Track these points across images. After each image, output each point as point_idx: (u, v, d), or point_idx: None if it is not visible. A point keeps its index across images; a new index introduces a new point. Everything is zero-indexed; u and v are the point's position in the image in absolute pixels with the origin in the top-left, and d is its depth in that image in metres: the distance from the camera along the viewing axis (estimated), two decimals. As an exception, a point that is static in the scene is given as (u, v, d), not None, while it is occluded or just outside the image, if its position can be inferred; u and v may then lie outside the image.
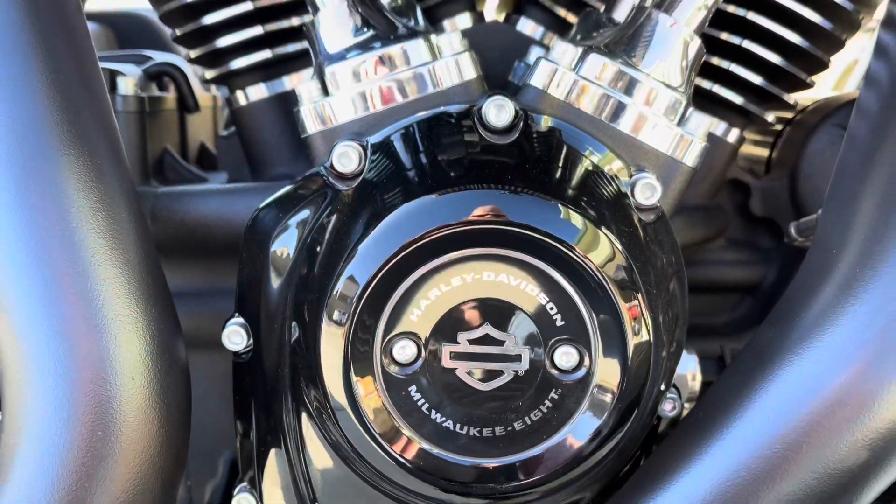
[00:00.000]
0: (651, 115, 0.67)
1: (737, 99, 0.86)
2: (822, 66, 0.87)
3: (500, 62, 0.89)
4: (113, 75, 0.93)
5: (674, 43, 0.67)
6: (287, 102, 0.91)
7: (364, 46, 0.68)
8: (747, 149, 1.04)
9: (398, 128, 0.66)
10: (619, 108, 0.67)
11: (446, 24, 0.90)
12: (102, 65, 0.79)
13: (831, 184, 0.75)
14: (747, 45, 0.83)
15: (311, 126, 0.70)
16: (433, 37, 0.70)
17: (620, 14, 0.78)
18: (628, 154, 0.67)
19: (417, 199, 0.57)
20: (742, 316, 0.98)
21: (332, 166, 0.64)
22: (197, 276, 0.83)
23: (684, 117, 0.68)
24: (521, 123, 0.64)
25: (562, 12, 0.89)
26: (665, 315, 0.67)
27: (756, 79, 0.85)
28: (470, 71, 0.69)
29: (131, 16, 1.48)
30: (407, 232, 0.56)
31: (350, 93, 0.68)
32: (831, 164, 0.87)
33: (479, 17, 0.92)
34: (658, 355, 0.63)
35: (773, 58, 0.84)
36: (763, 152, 1.03)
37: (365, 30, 0.69)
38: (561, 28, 0.90)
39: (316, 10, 0.71)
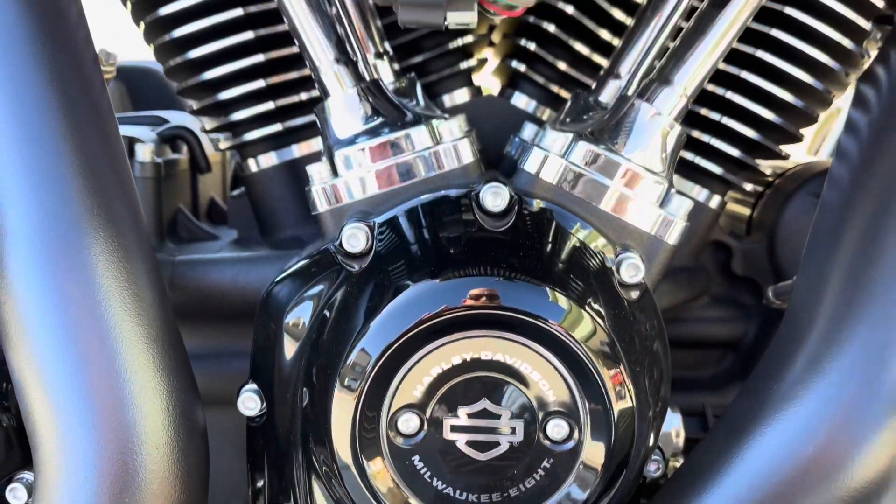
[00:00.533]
0: (635, 197, 0.73)
1: (717, 169, 0.92)
2: (796, 139, 0.93)
3: (496, 134, 0.95)
4: (131, 142, 0.99)
5: (655, 131, 0.74)
6: (296, 169, 0.96)
7: (371, 132, 0.74)
8: (730, 206, 1.10)
9: (403, 209, 0.72)
10: (605, 192, 0.72)
11: (445, 98, 0.96)
12: (121, 131, 0.85)
13: (803, 256, 0.81)
14: (726, 121, 0.90)
15: (321, 204, 0.75)
16: (434, 121, 0.76)
17: (606, 96, 0.84)
18: (614, 233, 0.73)
19: (423, 283, 0.63)
20: (725, 371, 1.03)
21: (341, 245, 0.70)
22: (212, 338, 0.89)
23: (666, 198, 0.74)
24: (516, 207, 0.69)
25: (554, 88, 0.95)
26: (650, 377, 0.72)
27: (734, 151, 0.91)
28: (468, 155, 0.75)
29: (142, 70, 1.54)
30: (413, 313, 0.62)
31: (358, 174, 0.74)
32: (807, 231, 0.93)
33: (476, 90, 0.98)
34: (643, 418, 0.68)
35: (751, 133, 0.90)
36: (745, 210, 1.09)
37: (373, 117, 0.75)
38: (553, 102, 0.96)
39: (327, 95, 0.77)
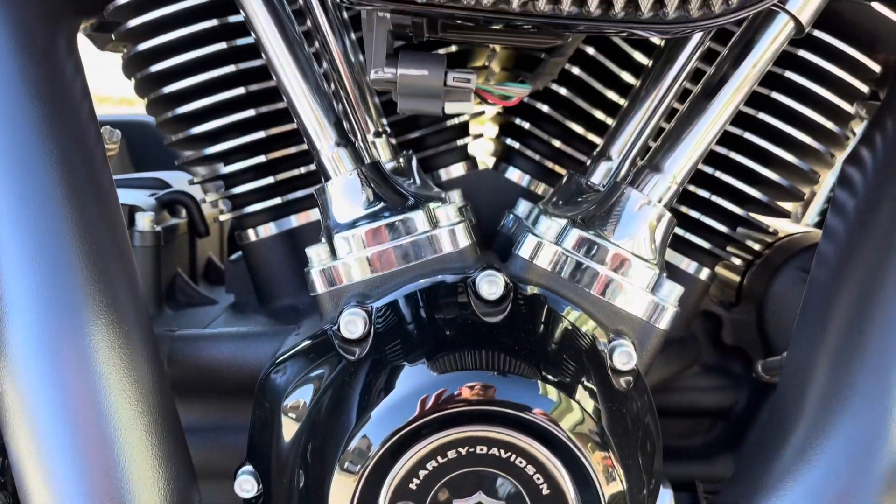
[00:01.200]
0: (626, 283, 0.74)
1: (705, 244, 0.94)
2: (783, 214, 0.95)
3: (491, 207, 0.97)
4: (132, 211, 1.00)
5: (646, 219, 0.76)
6: (294, 238, 0.98)
7: (370, 217, 0.76)
8: (719, 270, 1.12)
9: (401, 295, 0.73)
10: (597, 278, 0.74)
11: (442, 172, 0.98)
12: (121, 197, 0.87)
13: (793, 337, 0.83)
14: (715, 198, 0.92)
15: (320, 286, 0.77)
16: (431, 205, 0.78)
17: (598, 177, 0.86)
18: (607, 318, 0.75)
19: (421, 375, 0.64)
20: (715, 440, 1.05)
21: (339, 331, 0.71)
22: (209, 412, 0.89)
23: (658, 284, 0.76)
24: (511, 295, 0.71)
25: (547, 163, 0.97)
26: (642, 453, 0.73)
27: (722, 227, 0.93)
28: (465, 239, 0.77)
29: (141, 124, 1.57)
30: (412, 406, 0.63)
31: (356, 257, 0.76)
32: (794, 304, 0.95)
33: (472, 163, 1.00)
34: (635, 499, 0.70)
35: (739, 210, 0.92)
36: (734, 276, 1.11)
37: (372, 202, 0.77)
38: (546, 176, 0.98)
39: (327, 178, 0.79)
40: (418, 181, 0.87)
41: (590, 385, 0.68)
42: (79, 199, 0.77)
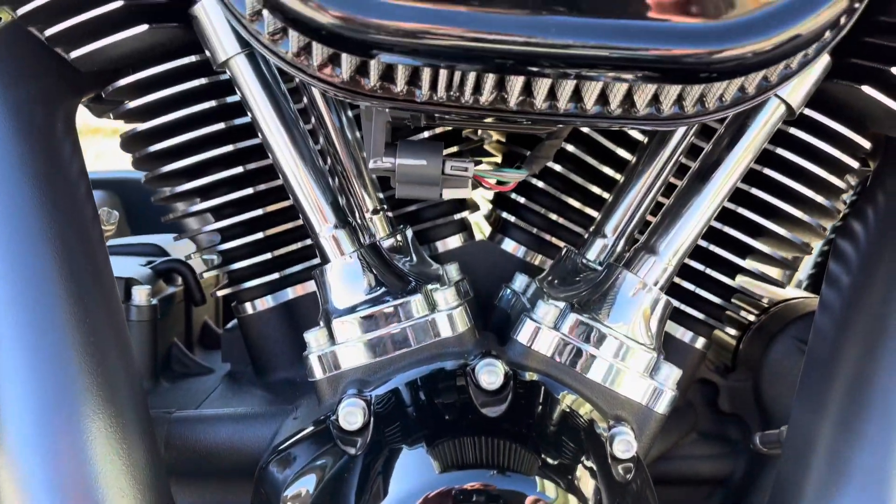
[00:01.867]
0: (624, 368, 0.75)
1: (700, 315, 0.95)
2: (777, 285, 0.96)
3: (488, 278, 0.98)
4: (128, 284, 1.00)
5: (642, 303, 0.76)
6: (291, 310, 0.98)
7: (368, 302, 0.76)
8: (716, 334, 1.13)
9: (401, 383, 0.73)
10: (596, 363, 0.75)
11: (439, 244, 0.99)
12: (117, 268, 0.87)
13: (792, 415, 0.83)
14: (709, 271, 0.93)
15: (318, 372, 0.77)
16: (429, 287, 0.78)
17: (594, 254, 0.86)
18: (606, 403, 0.75)
19: (422, 472, 0.64)
20: (714, 508, 1.04)
21: (338, 422, 0.71)
22: (206, 496, 0.89)
23: (656, 368, 0.76)
24: (511, 383, 0.71)
25: (543, 235, 0.98)
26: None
27: (717, 299, 0.94)
28: (463, 323, 0.77)
29: (136, 181, 1.57)
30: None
31: (355, 342, 0.76)
32: (790, 373, 0.95)
33: (469, 234, 1.01)
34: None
35: (733, 282, 0.93)
36: (731, 340, 1.12)
37: (371, 287, 0.77)
38: (543, 247, 0.99)
39: (326, 260, 0.80)
40: (415, 258, 0.88)
41: (590, 477, 0.68)
42: (76, 285, 0.77)
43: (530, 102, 0.62)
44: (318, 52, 0.59)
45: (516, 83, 0.59)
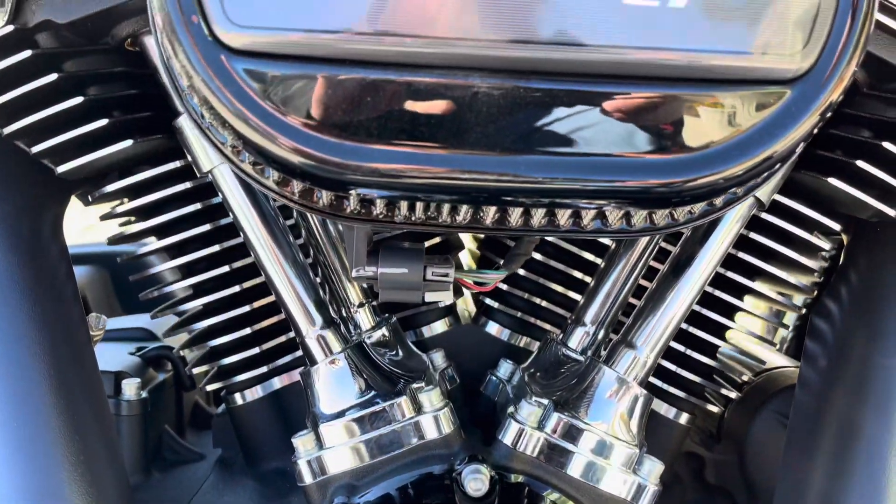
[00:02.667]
0: (607, 465, 0.76)
1: (682, 393, 0.97)
2: (758, 361, 0.98)
3: (473, 361, 0.99)
4: (118, 378, 1.01)
5: (623, 400, 0.78)
6: (279, 398, 0.99)
7: (357, 406, 0.78)
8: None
9: (389, 488, 0.74)
10: (579, 461, 0.76)
11: (425, 329, 1.00)
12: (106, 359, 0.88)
13: (777, 489, 0.84)
14: (689, 352, 0.95)
15: (308, 477, 0.78)
16: (415, 388, 0.79)
17: (575, 342, 0.88)
18: (590, 501, 0.76)
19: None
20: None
21: (328, 532, 0.72)
22: None
23: (638, 462, 0.78)
24: (497, 488, 0.73)
25: (527, 317, 1.00)
26: None
27: (697, 378, 0.95)
28: (448, 425, 0.78)
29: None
30: None
31: (343, 447, 0.77)
32: (774, 447, 0.96)
33: (454, 318, 1.02)
34: None
35: (713, 362, 0.95)
36: (717, 409, 1.13)
37: (358, 390, 0.78)
38: (526, 329, 1.00)
39: (313, 362, 0.81)
40: (401, 352, 0.89)
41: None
42: (63, 389, 0.78)
43: (505, 221, 0.64)
44: (298, 183, 0.61)
45: (491, 207, 0.61)
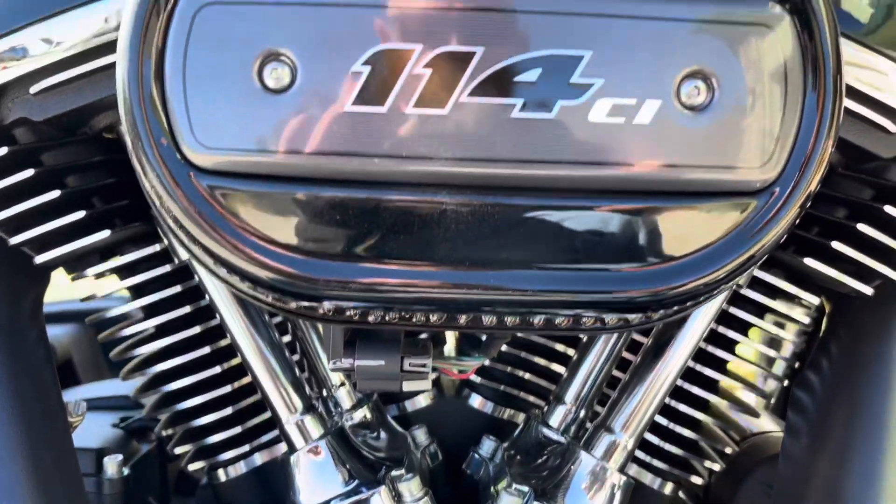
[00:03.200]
0: (589, 555, 0.76)
1: (664, 466, 0.96)
2: (738, 437, 0.98)
3: (457, 435, 0.99)
4: (99, 456, 1.00)
5: (602, 486, 0.78)
6: (262, 473, 0.99)
7: (337, 497, 0.78)
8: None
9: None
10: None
11: (407, 403, 1.00)
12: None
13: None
14: (672, 426, 0.95)
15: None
16: (394, 476, 0.79)
17: (556, 421, 0.87)
18: (572, 591, 0.76)
19: None
20: None
21: None
22: None
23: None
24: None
25: (509, 390, 1.00)
26: None
27: (680, 451, 0.95)
28: (429, 516, 0.78)
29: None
30: None
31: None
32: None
33: (438, 390, 1.02)
34: None
35: (695, 435, 0.95)
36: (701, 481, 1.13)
37: (338, 480, 0.78)
38: (509, 401, 1.00)
39: (293, 449, 0.81)
40: (382, 433, 0.89)
41: None
42: (41, 477, 0.77)
43: (479, 323, 0.64)
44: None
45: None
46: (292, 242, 0.55)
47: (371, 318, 0.63)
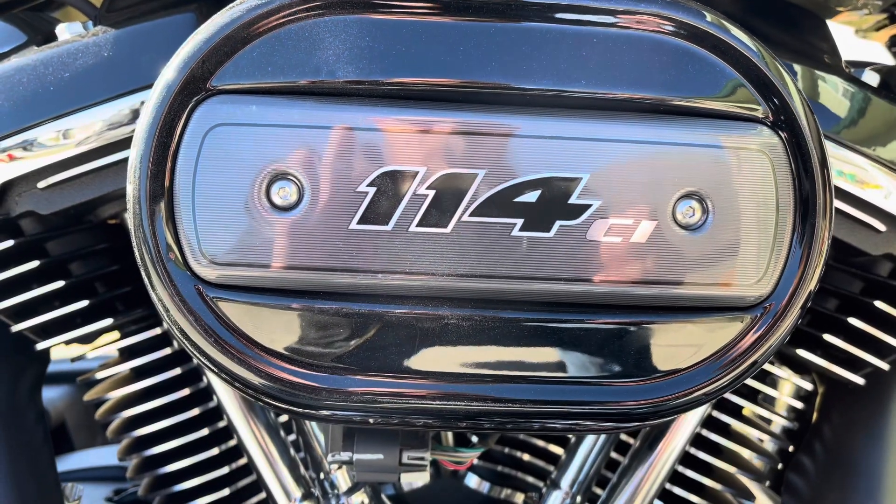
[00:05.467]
0: None
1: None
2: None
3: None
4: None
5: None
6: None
7: None
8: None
9: None
10: None
11: (404, 484, 1.00)
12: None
13: None
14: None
15: None
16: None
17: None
18: None
19: None
20: None
21: None
22: None
23: None
24: None
25: (506, 469, 1.00)
26: None
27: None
28: None
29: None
30: None
31: None
32: None
33: (435, 469, 1.02)
34: None
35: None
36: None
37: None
38: (505, 480, 1.00)
39: None
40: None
41: None
42: None
43: (478, 425, 0.65)
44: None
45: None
46: (294, 355, 0.56)
47: (372, 421, 0.64)
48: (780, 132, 0.57)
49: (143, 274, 0.57)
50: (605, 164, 0.55)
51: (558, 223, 0.55)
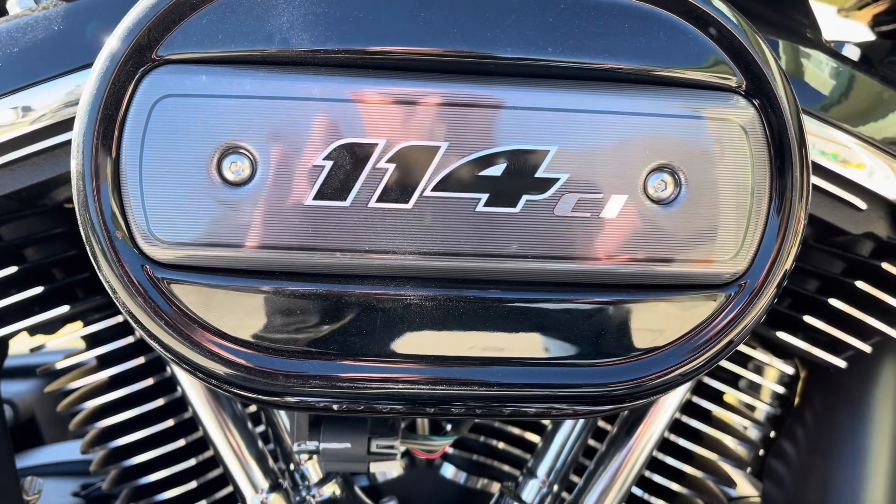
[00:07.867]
0: None
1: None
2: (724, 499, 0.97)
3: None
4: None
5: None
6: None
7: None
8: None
9: None
10: None
11: (378, 474, 0.98)
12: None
13: None
14: (647, 496, 0.93)
15: None
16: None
17: (528, 495, 0.85)
18: None
19: None
20: None
21: None
22: None
23: None
24: None
25: (482, 459, 0.98)
26: None
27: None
28: None
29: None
30: None
31: None
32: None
33: (410, 459, 1.00)
34: None
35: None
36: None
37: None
38: (481, 470, 0.98)
39: None
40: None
41: None
42: None
43: (447, 410, 0.62)
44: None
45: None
46: (251, 338, 0.54)
47: (336, 408, 0.61)
48: (755, 102, 0.54)
49: (89, 254, 0.54)
50: (573, 135, 0.53)
51: (525, 198, 0.53)
